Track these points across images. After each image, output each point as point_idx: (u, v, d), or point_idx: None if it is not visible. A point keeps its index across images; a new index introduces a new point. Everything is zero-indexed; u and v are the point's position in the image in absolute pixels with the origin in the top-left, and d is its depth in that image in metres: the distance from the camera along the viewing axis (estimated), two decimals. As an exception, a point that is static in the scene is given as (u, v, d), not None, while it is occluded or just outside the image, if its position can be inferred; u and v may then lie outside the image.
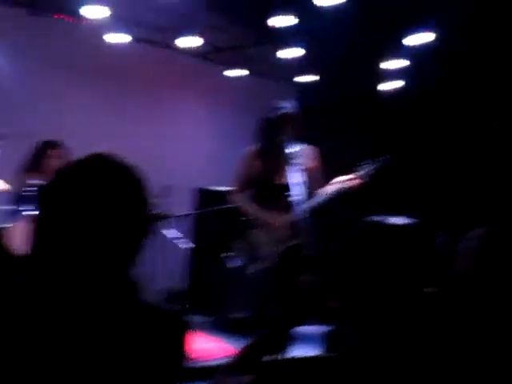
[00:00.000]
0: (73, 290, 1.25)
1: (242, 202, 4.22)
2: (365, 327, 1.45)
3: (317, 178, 4.10)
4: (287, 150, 3.95)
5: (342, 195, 3.94)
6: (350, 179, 3.87)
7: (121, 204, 1.29)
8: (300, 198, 3.77)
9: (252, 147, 4.21)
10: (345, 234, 1.57)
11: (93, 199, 1.27)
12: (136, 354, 1.26)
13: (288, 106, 4.07)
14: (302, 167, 4.03)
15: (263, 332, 1.64)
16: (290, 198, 3.97)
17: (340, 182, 3.87)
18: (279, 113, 4.04)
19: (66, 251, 1.26)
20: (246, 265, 4.17)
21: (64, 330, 1.22)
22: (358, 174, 3.86)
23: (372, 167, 3.87)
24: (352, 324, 1.49)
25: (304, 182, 3.99)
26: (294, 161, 4.01)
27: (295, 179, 3.90)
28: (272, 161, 4.12)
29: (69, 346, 1.21)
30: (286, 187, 4.01)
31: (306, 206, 3.76)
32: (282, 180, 4.08)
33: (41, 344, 1.20)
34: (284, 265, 3.97)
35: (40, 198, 1.32)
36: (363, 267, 1.47)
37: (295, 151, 4.05)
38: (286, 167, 3.99)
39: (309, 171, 4.09)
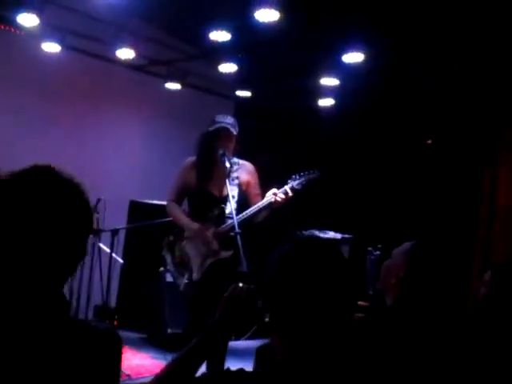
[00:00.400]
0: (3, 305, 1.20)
1: (174, 211, 4.19)
2: (293, 342, 1.41)
3: (254, 193, 4.10)
4: (224, 163, 3.93)
5: (273, 208, 3.95)
6: (282, 192, 3.87)
7: (62, 218, 1.24)
8: (233, 210, 3.76)
9: (190, 158, 4.21)
10: (276, 249, 1.51)
11: (32, 212, 1.21)
12: (69, 373, 1.21)
13: (227, 120, 4.07)
14: (237, 181, 4.03)
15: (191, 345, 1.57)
16: (223, 210, 3.97)
17: (272, 194, 3.87)
18: (217, 126, 4.02)
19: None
20: (175, 278, 4.15)
21: None
22: (289, 186, 3.88)
23: (302, 180, 3.89)
24: (280, 338, 1.44)
25: (239, 195, 4.00)
26: (230, 174, 4.00)
27: (230, 192, 3.89)
28: (208, 172, 4.11)
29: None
30: (221, 199, 4.01)
31: (237, 218, 3.74)
32: (217, 192, 4.08)
33: None
34: (210, 278, 3.95)
35: None
36: (293, 281, 1.42)
37: (232, 165, 4.03)
38: (222, 180, 3.98)
39: (244, 185, 4.08)
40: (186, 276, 4.05)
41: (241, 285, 1.66)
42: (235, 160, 4.13)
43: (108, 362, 1.29)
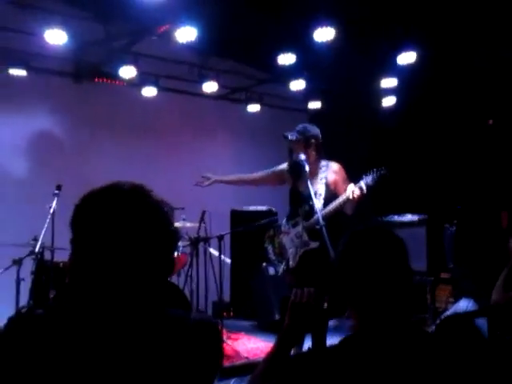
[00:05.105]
0: (105, 305, 1.21)
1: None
2: (364, 314, 1.44)
3: (344, 188, 4.00)
4: (304, 167, 3.99)
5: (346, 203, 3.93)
6: (358, 188, 3.87)
7: (148, 229, 1.24)
8: (317, 207, 3.80)
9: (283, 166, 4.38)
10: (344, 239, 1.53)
11: (123, 223, 1.22)
12: (170, 364, 1.20)
13: (293, 132, 4.16)
14: (325, 180, 4.07)
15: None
16: (311, 206, 3.98)
17: (350, 190, 3.87)
18: (293, 136, 4.14)
19: (98, 269, 1.22)
20: (276, 266, 4.27)
21: (99, 345, 1.17)
22: (364, 182, 3.87)
23: (373, 176, 3.87)
24: (354, 311, 1.47)
25: (326, 193, 4.04)
26: (316, 175, 4.08)
27: (314, 190, 3.93)
28: (296, 175, 4.19)
29: (105, 360, 1.16)
30: (309, 196, 4.06)
31: (321, 213, 3.78)
32: (305, 190, 4.15)
33: (77, 362, 1.15)
34: (303, 266, 4.02)
35: (73, 219, 1.25)
36: (357, 262, 1.45)
37: (319, 166, 4.11)
38: (309, 180, 4.05)
39: (333, 184, 4.10)
40: (284, 264, 4.18)
41: (303, 289, 1.64)
42: (323, 163, 4.16)
43: (206, 348, 1.26)
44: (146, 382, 1.17)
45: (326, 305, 1.62)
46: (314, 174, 4.07)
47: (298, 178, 4.18)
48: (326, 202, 3.96)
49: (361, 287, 1.43)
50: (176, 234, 1.33)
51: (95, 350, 1.16)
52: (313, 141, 4.13)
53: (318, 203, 3.85)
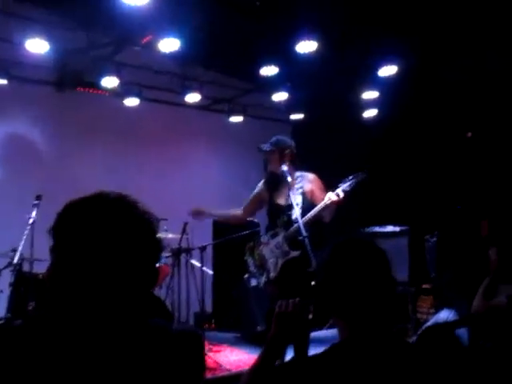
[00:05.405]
0: (87, 314, 1.18)
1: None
2: (350, 321, 1.47)
3: (320, 198, 4.06)
4: (286, 178, 4.01)
5: (338, 207, 3.94)
6: (335, 195, 3.87)
7: (132, 238, 1.21)
8: (298, 216, 3.80)
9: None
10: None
11: (107, 231, 1.19)
12: (152, 375, 1.18)
13: (267, 145, 4.19)
14: (301, 190, 4.10)
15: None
16: (289, 217, 4.06)
17: (328, 197, 3.88)
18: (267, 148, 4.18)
19: (79, 278, 1.18)
20: (257, 278, 4.24)
21: (80, 355, 1.14)
22: (340, 189, 3.87)
23: (350, 182, 3.89)
24: (340, 320, 1.50)
25: (303, 203, 4.04)
26: (292, 185, 4.09)
27: (294, 200, 3.95)
28: (273, 187, 4.24)
29: (86, 371, 1.14)
30: (287, 207, 4.07)
31: (301, 222, 3.77)
32: (283, 201, 4.19)
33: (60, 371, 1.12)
34: (285, 275, 4.01)
35: (55, 227, 1.21)
36: (340, 272, 1.48)
37: (294, 177, 4.14)
38: (286, 191, 4.05)
39: (309, 193, 4.14)
40: (265, 275, 4.15)
41: (287, 300, 1.64)
42: (298, 173, 4.21)
43: (189, 358, 1.26)
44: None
45: (310, 315, 1.61)
46: (290, 184, 4.09)
47: (274, 190, 4.23)
48: (304, 212, 3.96)
49: (346, 297, 1.46)
50: (160, 244, 1.29)
51: (76, 360, 1.13)
52: (287, 152, 4.18)
53: (297, 212, 3.85)
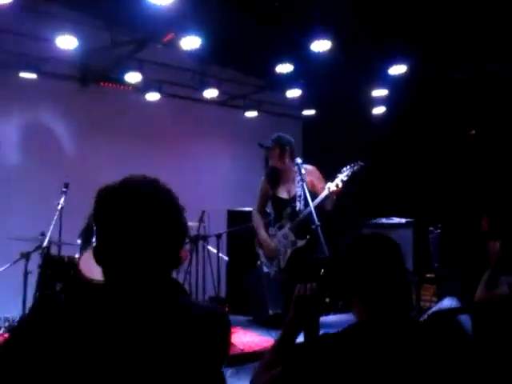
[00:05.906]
0: (123, 292, 1.24)
1: (255, 223, 4.53)
2: (368, 305, 1.59)
3: (320, 188, 4.20)
4: (301, 170, 4.17)
5: (338, 197, 4.11)
6: (334, 185, 4.04)
7: (162, 220, 1.28)
8: (302, 207, 3.99)
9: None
10: (347, 238, 1.70)
11: (141, 216, 1.25)
12: (180, 350, 1.21)
13: (268, 141, 4.33)
14: (304, 182, 4.19)
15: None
16: (293, 209, 4.23)
17: (327, 188, 4.05)
18: (268, 144, 4.34)
19: (116, 258, 1.25)
20: (268, 268, 4.40)
21: (115, 330, 1.20)
22: (339, 179, 4.04)
23: (347, 172, 4.06)
24: (359, 303, 1.61)
25: (304, 194, 4.15)
26: (293, 179, 4.28)
27: (296, 193, 4.15)
28: (275, 181, 4.40)
29: (121, 344, 1.19)
30: (291, 200, 4.27)
31: (306, 213, 3.96)
32: (286, 195, 4.35)
33: (96, 347, 1.18)
34: (293, 264, 4.20)
35: (96, 214, 1.29)
36: (360, 262, 1.61)
37: (293, 171, 4.28)
38: (289, 184, 4.25)
39: (309, 184, 4.23)
40: (275, 265, 4.34)
41: (305, 284, 1.77)
42: (300, 166, 4.32)
43: (216, 336, 1.28)
44: (156, 366, 1.19)
45: (327, 299, 1.73)
46: (290, 178, 4.29)
47: (276, 184, 4.39)
48: (306, 203, 4.10)
49: (367, 282, 1.59)
50: (187, 229, 1.39)
51: (111, 335, 1.20)
52: (287, 148, 4.34)
53: (299, 205, 4.03)
